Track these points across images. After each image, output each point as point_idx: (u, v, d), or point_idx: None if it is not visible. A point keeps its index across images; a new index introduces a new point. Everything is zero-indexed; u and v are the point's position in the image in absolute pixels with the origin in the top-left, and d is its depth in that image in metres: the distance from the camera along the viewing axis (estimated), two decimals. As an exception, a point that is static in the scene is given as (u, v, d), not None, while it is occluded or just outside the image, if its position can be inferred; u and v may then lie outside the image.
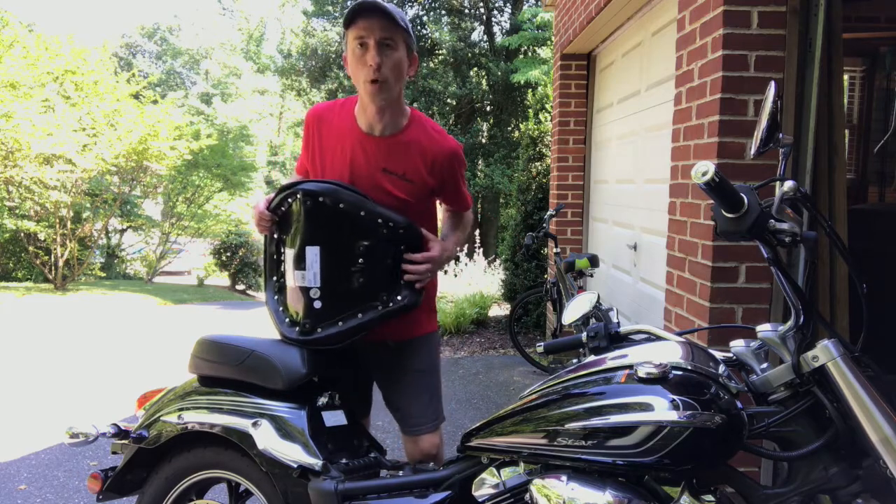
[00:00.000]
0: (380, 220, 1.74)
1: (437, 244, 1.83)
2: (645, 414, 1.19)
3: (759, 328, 1.32)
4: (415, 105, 14.37)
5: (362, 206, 1.73)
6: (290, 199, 1.76)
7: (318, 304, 1.75)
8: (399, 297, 1.78)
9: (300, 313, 1.78)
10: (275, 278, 1.86)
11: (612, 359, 1.36)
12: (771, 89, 1.20)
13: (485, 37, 16.13)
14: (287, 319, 1.81)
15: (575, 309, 1.60)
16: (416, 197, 1.85)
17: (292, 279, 1.78)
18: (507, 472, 1.42)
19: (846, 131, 3.76)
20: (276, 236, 1.84)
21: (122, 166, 10.92)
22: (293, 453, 1.59)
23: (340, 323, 1.76)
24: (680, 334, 1.44)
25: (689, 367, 1.25)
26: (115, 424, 1.80)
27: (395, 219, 1.75)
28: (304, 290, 1.75)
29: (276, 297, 1.85)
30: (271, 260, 1.86)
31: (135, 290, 11.73)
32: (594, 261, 4.24)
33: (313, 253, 1.73)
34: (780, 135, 1.22)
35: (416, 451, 1.94)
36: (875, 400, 1.15)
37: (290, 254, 1.78)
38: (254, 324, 8.71)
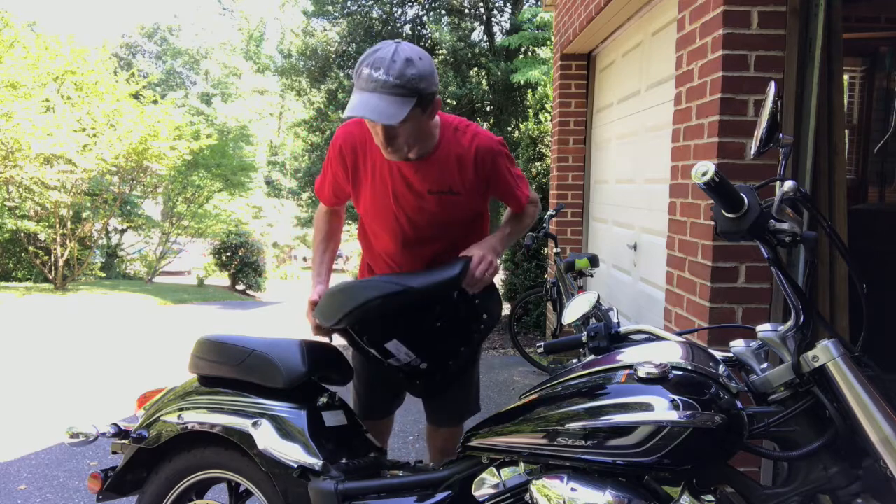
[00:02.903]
0: (433, 293, 1.70)
1: (474, 249, 1.78)
2: (645, 414, 1.19)
3: (759, 328, 1.32)
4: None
5: (411, 295, 1.65)
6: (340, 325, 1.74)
7: (424, 366, 1.80)
8: (485, 316, 1.81)
9: (414, 375, 1.84)
10: (376, 358, 1.87)
11: (612, 359, 1.36)
12: (771, 89, 1.20)
13: (485, 37, 16.13)
14: (405, 381, 1.88)
15: (575, 309, 1.60)
16: (467, 206, 1.82)
17: (386, 360, 1.81)
18: (507, 472, 1.41)
19: (846, 131, 3.76)
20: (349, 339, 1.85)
21: (122, 166, 10.92)
22: (293, 453, 1.59)
23: (451, 363, 1.82)
24: (680, 334, 1.44)
25: (690, 367, 1.25)
26: (115, 424, 1.80)
27: (445, 279, 1.70)
28: (406, 365, 1.81)
29: (385, 365, 1.86)
30: (362, 352, 1.88)
31: (135, 290, 11.72)
32: (594, 261, 4.24)
33: (393, 345, 1.75)
34: (780, 135, 1.22)
35: (437, 440, 2.02)
36: (875, 400, 1.15)
37: (372, 350, 1.81)
38: (254, 324, 8.71)
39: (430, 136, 1.74)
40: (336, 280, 1.94)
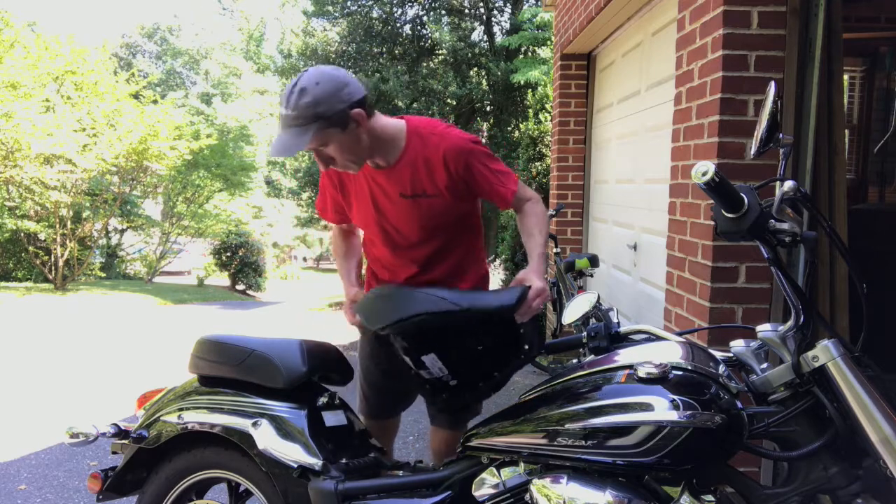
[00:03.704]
0: (487, 317, 1.67)
1: (532, 277, 1.73)
2: (645, 414, 1.19)
3: (759, 328, 1.32)
4: (414, 105, 14.38)
5: (465, 316, 1.62)
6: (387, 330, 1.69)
7: (453, 382, 1.74)
8: (526, 347, 1.76)
9: (440, 388, 1.77)
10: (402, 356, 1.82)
11: (612, 359, 1.36)
12: (771, 89, 1.20)
13: (485, 37, 16.13)
14: (429, 391, 1.80)
15: (575, 309, 1.60)
16: (447, 207, 1.82)
17: (416, 371, 1.74)
18: (507, 472, 1.42)
19: (846, 131, 3.76)
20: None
21: (122, 166, 10.91)
22: (293, 453, 1.59)
23: (481, 384, 1.77)
24: (680, 334, 1.45)
25: (690, 367, 1.25)
26: (115, 424, 1.80)
27: (503, 304, 1.66)
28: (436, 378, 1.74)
29: (412, 371, 1.78)
30: (391, 355, 1.82)
31: (135, 290, 11.72)
32: (594, 261, 4.24)
33: (430, 359, 1.70)
34: (780, 135, 1.22)
35: (440, 441, 2.02)
36: (875, 400, 1.15)
37: (406, 356, 1.73)
38: (254, 324, 8.71)
39: (393, 137, 1.77)
40: (334, 276, 1.93)
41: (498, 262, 8.13)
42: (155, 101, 12.27)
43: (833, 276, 2.35)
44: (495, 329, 1.73)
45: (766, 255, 1.24)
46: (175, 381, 1.95)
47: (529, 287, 1.68)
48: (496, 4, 15.83)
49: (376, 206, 1.85)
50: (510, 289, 1.71)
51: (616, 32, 4.45)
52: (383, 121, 1.76)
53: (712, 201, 1.23)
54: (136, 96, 11.81)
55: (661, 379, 1.22)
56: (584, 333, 1.46)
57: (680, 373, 1.24)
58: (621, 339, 1.44)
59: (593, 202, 5.25)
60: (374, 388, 2.06)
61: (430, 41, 15.32)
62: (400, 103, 14.26)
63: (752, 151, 1.24)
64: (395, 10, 15.58)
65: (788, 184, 1.22)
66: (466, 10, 15.83)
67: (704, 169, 1.14)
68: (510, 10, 15.52)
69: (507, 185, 1.84)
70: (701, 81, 2.51)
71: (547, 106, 6.82)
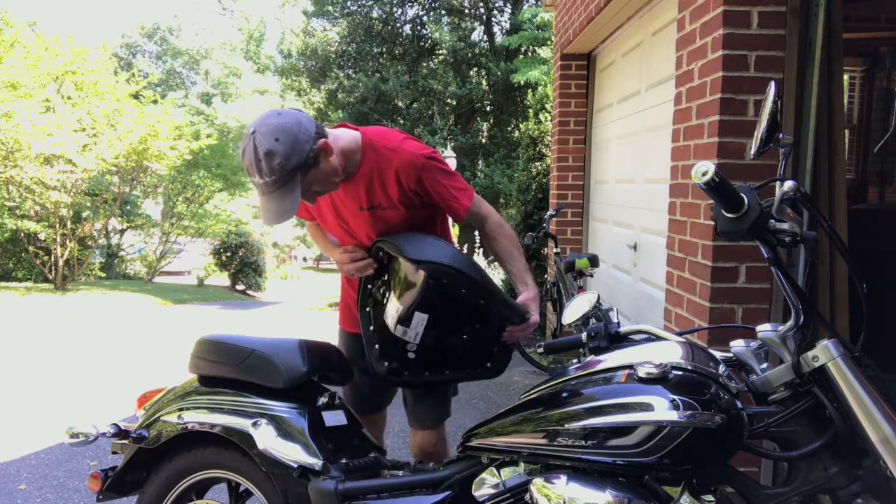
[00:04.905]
0: (495, 311, 1.73)
1: (532, 308, 1.83)
2: (645, 414, 1.19)
3: (759, 328, 1.32)
4: (415, 105, 14.37)
5: (484, 296, 1.70)
6: (409, 265, 1.70)
7: (411, 355, 1.76)
8: (489, 365, 1.81)
9: (392, 353, 1.78)
10: (368, 309, 1.83)
11: (612, 359, 1.36)
12: (771, 89, 1.20)
13: (485, 37, 16.14)
14: (377, 351, 1.81)
15: (575, 309, 1.60)
16: (405, 217, 1.84)
17: (392, 324, 1.75)
18: (507, 472, 1.41)
19: (846, 131, 3.76)
20: (379, 280, 1.82)
21: (122, 166, 10.92)
22: (293, 453, 1.59)
23: (427, 374, 1.80)
24: (680, 334, 1.44)
25: (690, 367, 1.25)
26: (115, 424, 1.80)
27: (514, 311, 1.74)
28: (402, 340, 1.76)
29: (370, 328, 1.81)
30: (365, 289, 1.85)
31: (135, 290, 11.73)
32: (594, 261, 4.24)
33: (421, 318, 1.71)
34: (780, 135, 1.22)
35: (415, 443, 2.03)
36: (875, 400, 1.15)
37: (394, 305, 1.75)
38: (254, 324, 8.71)
39: (350, 159, 1.78)
40: (333, 276, 1.94)
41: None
42: (155, 101, 12.28)
43: (833, 276, 2.35)
44: (487, 332, 1.76)
45: (766, 255, 1.24)
46: (175, 381, 1.95)
47: (529, 317, 1.77)
48: (496, 4, 15.84)
49: (339, 216, 1.90)
50: (520, 308, 1.79)
51: (616, 32, 4.45)
52: (342, 137, 1.77)
53: (712, 201, 1.23)
54: (136, 96, 11.82)
55: (661, 379, 1.22)
56: (584, 333, 1.46)
57: (680, 373, 1.24)
58: (621, 339, 1.44)
59: (593, 202, 5.25)
60: (352, 385, 2.09)
61: (430, 41, 15.33)
62: (400, 103, 14.27)
63: (752, 151, 1.24)
64: (395, 10, 15.59)
65: (788, 184, 1.22)
66: (466, 10, 15.85)
67: (704, 169, 1.14)
68: (510, 10, 15.53)
69: (461, 200, 1.85)
70: (701, 81, 2.51)
71: (547, 106, 6.82)
